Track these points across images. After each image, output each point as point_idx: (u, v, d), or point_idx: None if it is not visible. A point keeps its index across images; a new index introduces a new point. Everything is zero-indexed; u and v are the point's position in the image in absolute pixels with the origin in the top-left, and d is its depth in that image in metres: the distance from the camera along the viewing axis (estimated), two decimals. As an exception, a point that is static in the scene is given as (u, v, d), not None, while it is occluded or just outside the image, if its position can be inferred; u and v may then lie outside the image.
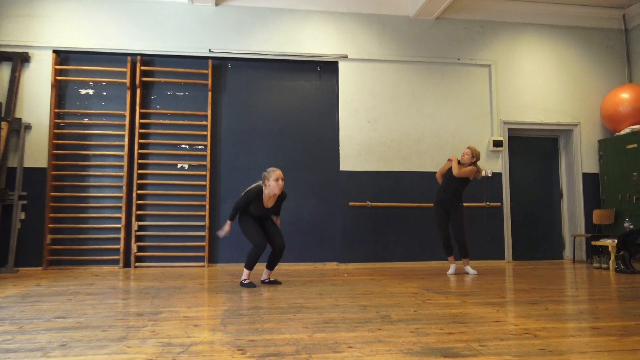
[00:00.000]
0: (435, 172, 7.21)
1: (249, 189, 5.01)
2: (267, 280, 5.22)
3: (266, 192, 4.94)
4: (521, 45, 8.27)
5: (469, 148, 6.21)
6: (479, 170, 6.19)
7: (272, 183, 4.89)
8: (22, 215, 6.77)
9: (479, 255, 7.61)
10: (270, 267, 5.19)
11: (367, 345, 2.52)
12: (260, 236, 4.92)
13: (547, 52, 8.33)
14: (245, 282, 4.95)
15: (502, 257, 7.80)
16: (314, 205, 7.52)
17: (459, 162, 6.22)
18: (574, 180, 8.25)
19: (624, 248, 6.51)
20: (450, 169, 6.23)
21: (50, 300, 4.03)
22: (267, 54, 7.55)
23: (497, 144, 7.88)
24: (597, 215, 7.96)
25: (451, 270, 6.18)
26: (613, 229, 7.74)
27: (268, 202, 5.00)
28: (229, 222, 4.97)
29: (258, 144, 7.48)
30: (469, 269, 6.18)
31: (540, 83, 8.24)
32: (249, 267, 4.95)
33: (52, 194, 6.90)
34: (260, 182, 5.00)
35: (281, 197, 5.09)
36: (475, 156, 6.16)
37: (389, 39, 7.89)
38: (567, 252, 8.30)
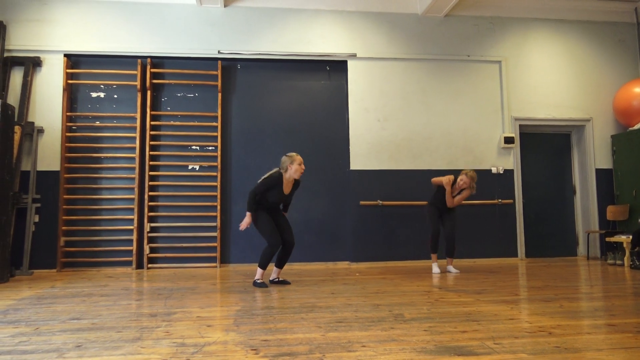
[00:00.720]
0: (446, 170, 7.19)
1: (267, 176, 4.96)
2: (277, 279, 5.17)
3: (286, 176, 4.95)
4: (531, 40, 8.20)
5: (468, 175, 6.04)
6: (472, 188, 6.08)
7: (296, 167, 4.91)
8: (36, 218, 6.84)
9: (491, 253, 7.57)
10: (280, 265, 5.16)
11: (380, 344, 2.52)
12: (276, 234, 4.90)
13: (557, 47, 8.26)
14: (259, 281, 4.94)
15: (514, 255, 7.74)
16: (325, 205, 7.52)
17: (453, 183, 6.12)
18: (587, 176, 8.17)
19: (639, 244, 6.44)
20: (445, 192, 6.14)
21: (65, 302, 4.06)
22: (276, 54, 7.56)
23: (509, 140, 7.82)
24: (611, 211, 7.87)
25: (436, 269, 6.15)
26: (627, 224, 7.65)
27: (286, 188, 5.00)
28: (249, 214, 4.90)
29: (268, 144, 7.49)
30: (451, 268, 6.19)
31: (552, 78, 8.16)
32: (263, 266, 4.94)
33: (65, 196, 6.97)
34: (276, 169, 4.99)
35: (297, 184, 5.09)
36: (472, 180, 6.04)
37: (398, 37, 7.86)
38: (581, 249, 8.22)
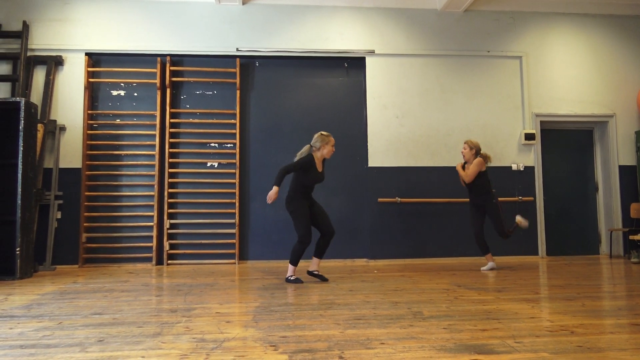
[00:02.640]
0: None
1: (300, 158, 4.96)
2: (316, 272, 5.10)
3: (317, 155, 5.01)
4: (553, 35, 8.07)
5: (465, 143, 6.16)
6: (486, 158, 6.05)
7: (329, 148, 5.00)
8: (59, 215, 6.95)
9: (511, 251, 7.48)
10: (320, 254, 5.10)
11: (399, 341, 2.50)
12: (309, 229, 4.90)
13: (579, 41, 8.12)
14: (292, 278, 4.95)
15: (535, 253, 7.65)
16: (343, 202, 7.51)
17: (464, 165, 6.16)
18: (609, 173, 8.02)
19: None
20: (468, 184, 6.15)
21: (87, 297, 4.13)
22: (294, 51, 7.57)
23: (530, 137, 7.72)
24: (635, 209, 7.72)
25: (486, 266, 6.08)
26: (652, 222, 7.51)
27: (319, 167, 5.03)
28: (276, 188, 4.80)
29: (286, 142, 7.50)
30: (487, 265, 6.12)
31: (573, 74, 8.03)
32: (295, 262, 4.95)
33: (87, 193, 7.07)
34: (305, 150, 5.03)
35: (324, 162, 5.15)
36: (474, 147, 6.08)
37: (416, 33, 7.81)
38: (604, 247, 8.08)
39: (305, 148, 5.05)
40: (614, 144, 7.98)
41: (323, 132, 5.05)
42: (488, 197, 6.03)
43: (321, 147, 4.97)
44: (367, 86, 7.65)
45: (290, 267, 4.98)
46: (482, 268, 6.12)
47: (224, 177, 7.37)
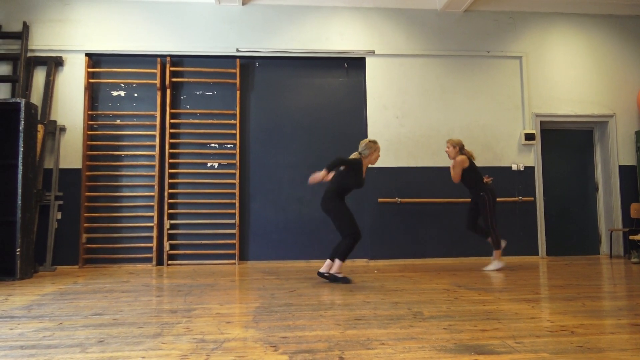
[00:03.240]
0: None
1: (352, 161, 4.98)
2: (326, 273, 5.09)
3: (365, 162, 5.10)
4: (553, 35, 8.08)
5: (447, 142, 6.29)
6: (469, 155, 6.17)
7: (377, 155, 5.13)
8: (59, 215, 6.95)
9: (511, 251, 7.47)
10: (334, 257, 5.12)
11: (399, 342, 2.51)
12: (358, 227, 4.98)
13: (579, 41, 8.12)
14: (340, 276, 4.93)
15: (535, 253, 7.65)
16: (343, 202, 7.50)
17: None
18: (610, 173, 8.02)
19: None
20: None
21: (87, 298, 4.13)
22: (294, 51, 7.57)
23: (529, 137, 7.72)
24: (635, 209, 7.72)
25: (491, 266, 6.07)
26: (652, 222, 7.51)
27: (364, 173, 5.11)
28: (325, 171, 4.80)
29: (286, 142, 7.51)
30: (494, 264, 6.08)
31: (573, 74, 8.03)
32: (344, 259, 4.93)
33: (87, 194, 7.07)
34: (355, 155, 5.07)
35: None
36: (456, 145, 6.19)
37: (416, 34, 7.81)
38: (604, 247, 8.08)
39: (354, 155, 5.10)
40: (614, 144, 7.98)
41: (370, 139, 5.16)
42: (478, 192, 6.10)
43: (369, 154, 5.07)
44: (367, 86, 7.65)
45: (338, 264, 4.92)
46: (484, 268, 6.11)
47: (224, 177, 7.37)
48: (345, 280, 4.89)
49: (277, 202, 7.42)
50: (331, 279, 4.95)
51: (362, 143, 5.14)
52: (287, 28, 7.61)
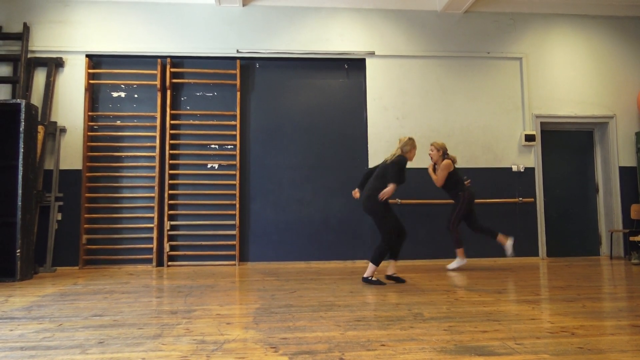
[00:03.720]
0: (465, 168, 7.20)
1: (404, 162, 5.03)
2: (394, 275, 5.11)
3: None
4: (553, 36, 8.08)
5: (431, 145, 6.37)
6: (452, 159, 6.25)
7: (414, 151, 5.18)
8: (59, 216, 6.95)
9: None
10: (396, 257, 5.14)
11: (400, 343, 2.50)
12: (404, 226, 5.02)
13: (580, 42, 8.12)
14: (374, 279, 4.90)
15: (535, 254, 7.64)
16: (344, 203, 7.49)
17: (434, 167, 6.38)
18: (610, 174, 8.02)
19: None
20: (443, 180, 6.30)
21: (87, 299, 4.13)
22: (295, 52, 7.57)
23: (530, 138, 7.71)
24: (636, 210, 7.71)
25: (453, 264, 6.28)
26: (652, 224, 7.50)
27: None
28: (395, 186, 4.83)
29: (286, 143, 7.51)
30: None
31: (574, 75, 8.03)
32: (377, 263, 4.90)
33: (87, 195, 7.07)
34: (397, 153, 5.09)
35: None
36: (440, 149, 6.27)
37: (416, 35, 7.81)
38: (604, 248, 8.07)
39: (397, 151, 5.11)
40: (614, 145, 7.98)
41: (409, 137, 5.20)
42: (456, 194, 6.23)
43: (410, 149, 5.11)
44: (368, 87, 7.65)
45: (372, 267, 4.90)
46: (448, 266, 6.30)
47: (224, 178, 7.37)
48: (378, 282, 4.88)
49: (278, 203, 7.42)
50: (366, 281, 4.94)
51: (402, 140, 5.17)
52: (288, 29, 7.61)
